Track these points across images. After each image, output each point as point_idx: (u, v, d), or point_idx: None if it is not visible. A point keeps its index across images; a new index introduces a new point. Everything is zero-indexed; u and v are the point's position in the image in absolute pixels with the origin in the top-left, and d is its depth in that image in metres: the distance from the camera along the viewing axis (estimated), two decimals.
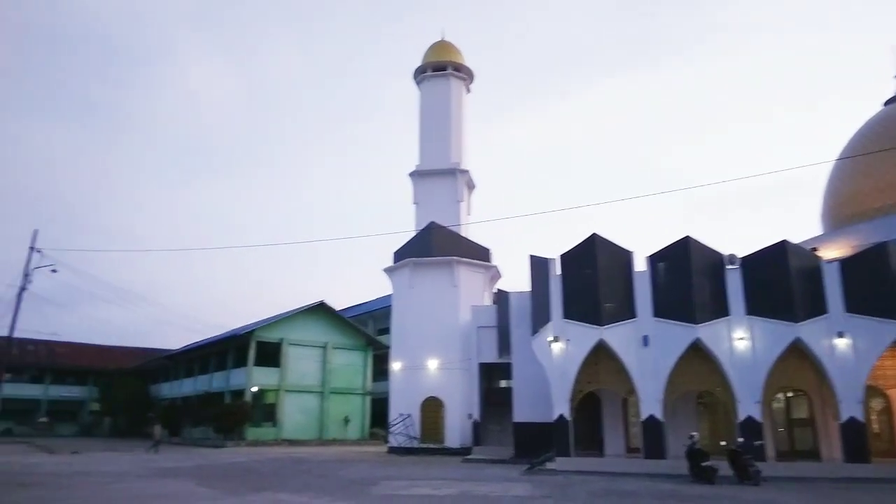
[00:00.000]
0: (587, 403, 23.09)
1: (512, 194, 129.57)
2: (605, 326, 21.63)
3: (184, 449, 36.32)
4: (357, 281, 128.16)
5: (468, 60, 39.59)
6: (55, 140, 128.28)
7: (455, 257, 32.89)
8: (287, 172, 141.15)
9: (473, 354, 29.81)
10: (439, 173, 36.17)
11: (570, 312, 22.13)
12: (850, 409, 19.71)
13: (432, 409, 31.58)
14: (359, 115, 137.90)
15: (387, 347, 38.06)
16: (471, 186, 37.75)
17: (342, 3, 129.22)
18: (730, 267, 21.71)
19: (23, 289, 22.71)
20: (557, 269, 23.02)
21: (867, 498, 15.39)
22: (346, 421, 45.54)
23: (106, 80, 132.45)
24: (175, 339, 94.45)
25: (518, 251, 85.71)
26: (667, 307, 21.47)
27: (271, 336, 43.84)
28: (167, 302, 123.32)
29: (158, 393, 57.36)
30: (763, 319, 20.80)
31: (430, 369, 31.70)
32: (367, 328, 52.17)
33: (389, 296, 36.32)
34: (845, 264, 21.16)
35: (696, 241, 21.90)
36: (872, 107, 36.58)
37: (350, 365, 47.27)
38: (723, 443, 20.35)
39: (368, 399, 47.68)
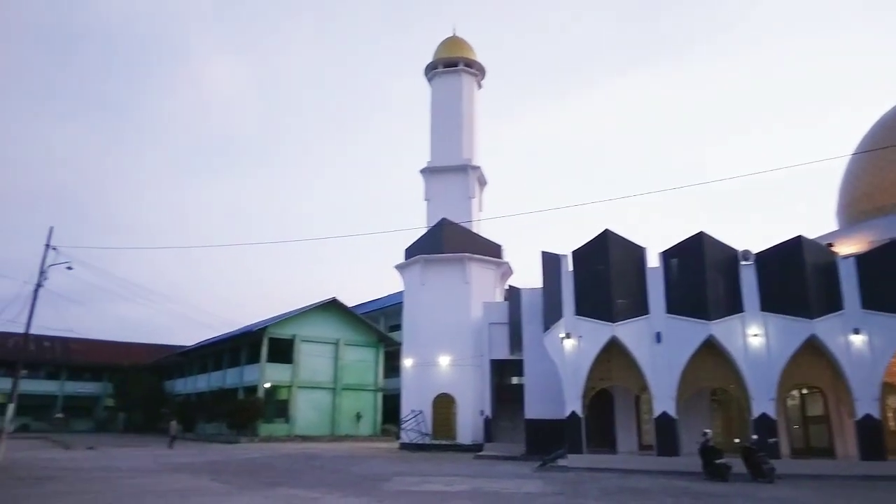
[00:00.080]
0: (599, 400, 23.00)
1: (524, 191, 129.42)
2: (618, 323, 21.55)
3: (198, 444, 36.67)
4: (369, 278, 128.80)
5: (480, 56, 39.48)
6: (69, 139, 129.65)
7: (467, 254, 32.74)
8: (299, 169, 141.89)
9: (485, 351, 29.80)
10: (451, 170, 36.10)
11: (583, 309, 22.08)
12: (865, 406, 19.54)
13: (444, 405, 31.56)
14: (370, 111, 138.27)
15: (398, 344, 38.10)
16: (482, 183, 37.64)
17: (353, 0, 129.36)
18: (744, 263, 21.54)
19: (39, 286, 22.92)
20: (570, 266, 22.96)
21: (884, 496, 15.25)
22: (358, 417, 45.75)
23: (119, 79, 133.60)
24: (189, 335, 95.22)
25: (530, 247, 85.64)
26: (680, 303, 21.35)
27: (284, 332, 44.09)
28: (181, 299, 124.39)
29: (173, 389, 57.97)
30: (778, 316, 20.63)
31: (442, 366, 31.68)
32: (379, 325, 52.34)
33: (401, 292, 36.32)
34: (861, 260, 20.92)
35: (709, 237, 21.73)
36: (889, 102, 36.11)
37: (362, 361, 47.44)
38: (737, 440, 20.23)
39: (380, 395, 47.86)
